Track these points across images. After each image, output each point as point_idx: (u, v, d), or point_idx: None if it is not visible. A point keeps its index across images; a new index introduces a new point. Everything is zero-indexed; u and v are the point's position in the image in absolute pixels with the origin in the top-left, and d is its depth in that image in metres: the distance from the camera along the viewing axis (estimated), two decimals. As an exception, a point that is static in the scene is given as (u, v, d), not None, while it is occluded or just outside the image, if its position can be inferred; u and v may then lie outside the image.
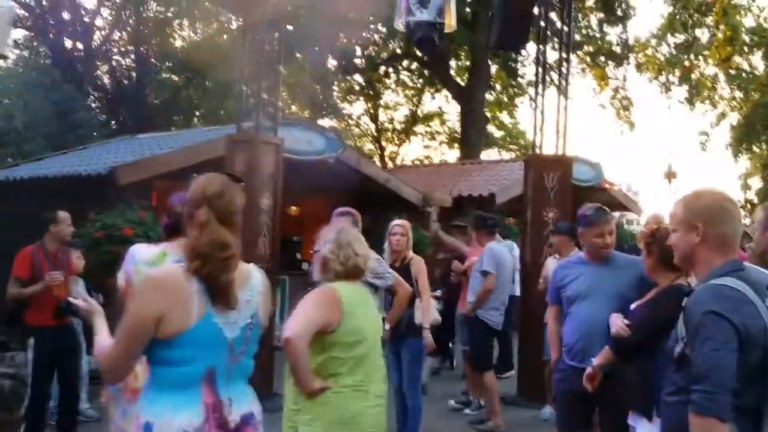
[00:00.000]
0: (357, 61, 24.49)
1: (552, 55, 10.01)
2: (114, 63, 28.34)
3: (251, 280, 2.57)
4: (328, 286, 3.47)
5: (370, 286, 5.26)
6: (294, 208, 13.57)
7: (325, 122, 26.59)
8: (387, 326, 5.38)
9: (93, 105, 27.09)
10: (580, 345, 4.54)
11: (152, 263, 3.61)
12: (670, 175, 30.74)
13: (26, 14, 25.48)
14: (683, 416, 2.46)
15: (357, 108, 30.11)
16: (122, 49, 28.77)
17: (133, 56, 28.21)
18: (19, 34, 27.24)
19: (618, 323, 3.94)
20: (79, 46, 26.35)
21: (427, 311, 5.99)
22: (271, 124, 8.43)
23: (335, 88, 26.09)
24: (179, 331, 2.34)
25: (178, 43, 29.11)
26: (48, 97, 15.64)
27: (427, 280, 6.09)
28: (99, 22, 27.76)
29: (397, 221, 6.29)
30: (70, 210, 6.69)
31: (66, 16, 26.02)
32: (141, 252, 3.66)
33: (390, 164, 27.75)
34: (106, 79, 28.39)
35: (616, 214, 19.78)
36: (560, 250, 7.02)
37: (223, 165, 7.98)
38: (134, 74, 27.89)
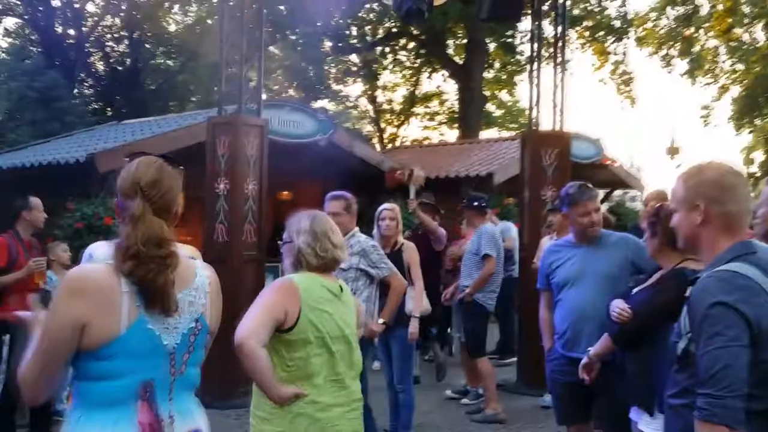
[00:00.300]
0: (352, 41, 24.10)
1: (549, 31, 9.67)
2: (107, 49, 27.98)
3: (195, 279, 2.25)
4: (286, 278, 3.13)
5: (366, 276, 4.99)
6: (286, 193, 13.24)
7: (322, 104, 26.34)
8: (380, 320, 5.11)
9: (87, 92, 26.86)
10: (570, 333, 4.27)
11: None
12: (673, 151, 30.31)
13: (17, 1, 25.18)
14: (689, 423, 2.16)
15: (354, 89, 29.80)
16: (115, 35, 28.44)
17: (126, 42, 27.89)
18: (10, 22, 27.09)
19: (619, 308, 3.64)
20: (71, 32, 26.06)
21: (419, 300, 5.72)
22: (255, 105, 8.10)
23: (331, 69, 25.71)
24: (106, 341, 2.02)
25: (172, 27, 28.85)
26: (32, 85, 15.31)
27: (419, 266, 5.82)
28: (91, 7, 27.56)
29: (385, 205, 6.00)
30: (50, 200, 6.43)
31: (57, 2, 25.73)
32: (100, 250, 3.35)
33: (390, 146, 27.42)
34: (100, 66, 28.07)
35: (618, 191, 19.48)
36: (560, 230, 6.72)
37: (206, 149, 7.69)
38: (128, 60, 27.57)
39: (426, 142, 27.25)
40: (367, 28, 24.14)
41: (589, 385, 3.96)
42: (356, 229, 5.13)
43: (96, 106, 26.08)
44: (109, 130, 12.80)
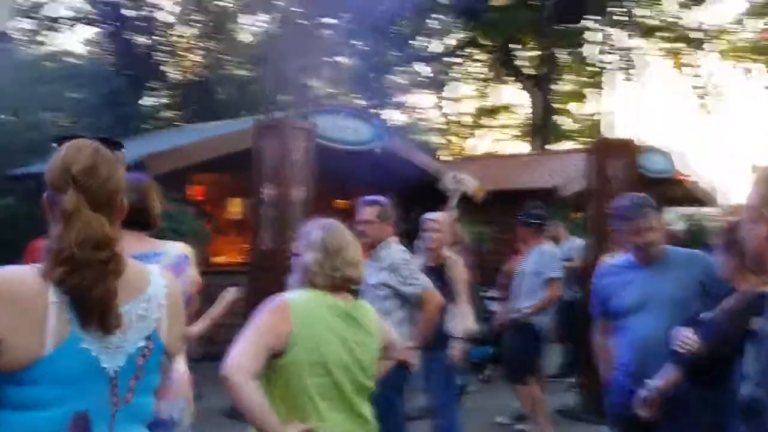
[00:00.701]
0: (421, 51, 23.81)
1: (622, 41, 9.11)
2: (180, 58, 28.34)
3: (148, 288, 1.87)
4: (280, 298, 2.71)
5: (397, 295, 4.43)
6: (342, 201, 12.90)
7: (389, 114, 26.07)
8: (412, 344, 4.48)
9: (159, 101, 27.26)
10: (635, 366, 3.73)
11: None
12: (758, 168, 28.91)
13: (93, 9, 25.72)
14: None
15: (423, 100, 29.41)
16: (188, 45, 28.79)
17: (199, 51, 28.20)
18: (90, 32, 27.67)
19: (685, 336, 3.12)
20: (144, 41, 26.46)
21: (463, 319, 5.24)
22: (304, 109, 7.78)
23: (399, 79, 25.42)
24: (28, 362, 1.64)
25: (246, 37, 29.01)
26: (99, 91, 15.43)
27: (466, 282, 5.34)
28: (166, 17, 27.93)
29: (430, 215, 5.57)
30: None
31: (132, 12, 26.15)
32: None
33: (454, 158, 26.93)
34: (172, 75, 28.44)
35: (692, 209, 18.52)
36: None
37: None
38: (200, 69, 27.86)
39: (492, 154, 26.67)
40: (436, 38, 23.78)
41: (653, 423, 3.45)
42: (392, 239, 4.60)
43: (168, 115, 26.40)
44: (165, 134, 12.72)
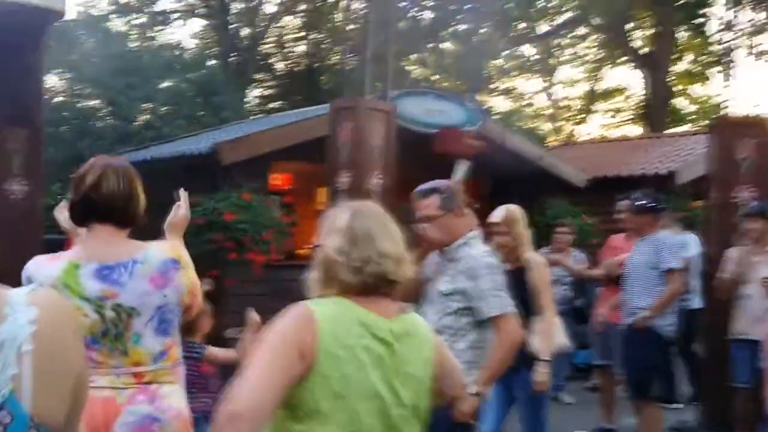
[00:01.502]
0: (526, 32, 22.74)
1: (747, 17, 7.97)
2: (284, 48, 28.26)
3: (3, 324, 1.21)
4: (303, 306, 1.98)
5: (472, 311, 3.44)
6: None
7: (493, 100, 25.12)
8: (474, 389, 3.31)
9: (261, 92, 27.29)
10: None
11: (59, 286, 2.39)
12: None
13: (199, 2, 25.91)
14: None
15: (527, 85, 28.25)
16: (292, 35, 28.66)
17: (303, 41, 28.05)
18: (198, 24, 27.94)
19: None
20: (247, 31, 26.47)
21: (550, 336, 4.34)
22: (385, 90, 7.11)
23: (501, 62, 24.41)
24: None
25: (349, 26, 28.62)
26: (192, 80, 15.34)
27: (550, 290, 4.45)
28: (270, 8, 27.88)
29: (499, 209, 4.58)
30: (172, 194, 5.80)
31: (237, 5, 26.20)
32: (42, 269, 2.47)
33: (559, 144, 25.72)
34: (276, 65, 28.39)
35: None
36: (759, 240, 5.51)
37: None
38: (303, 59, 27.71)
39: (598, 139, 25.29)
40: (541, 17, 22.64)
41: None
42: (472, 233, 3.59)
43: (273, 106, 26.37)
44: (248, 123, 12.34)
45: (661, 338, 5.64)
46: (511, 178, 9.62)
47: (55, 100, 15.10)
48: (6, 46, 5.13)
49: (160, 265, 2.52)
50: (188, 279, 2.62)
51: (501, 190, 9.42)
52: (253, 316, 3.37)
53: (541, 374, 4.27)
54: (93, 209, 2.50)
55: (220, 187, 8.06)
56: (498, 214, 4.49)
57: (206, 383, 4.21)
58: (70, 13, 20.13)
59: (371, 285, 2.01)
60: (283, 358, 1.86)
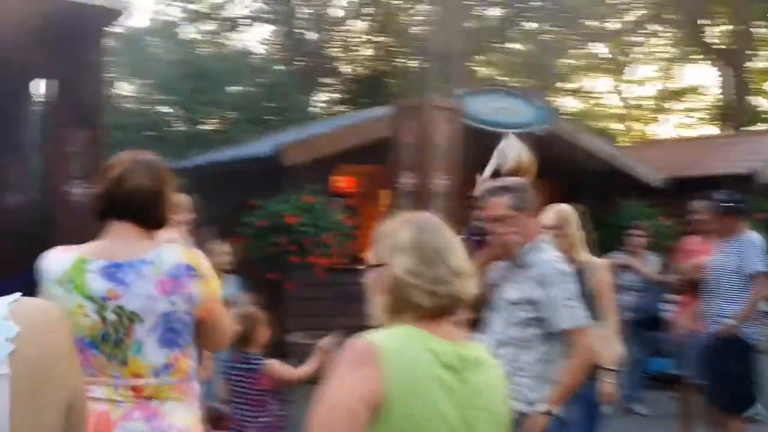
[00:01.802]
0: (598, 30, 22.23)
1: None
2: (351, 52, 28.35)
3: None
4: (366, 344, 1.71)
5: (531, 320, 3.17)
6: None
7: (564, 99, 24.65)
8: (544, 408, 3.13)
9: (329, 96, 27.40)
10: None
11: (65, 281, 2.25)
12: None
13: (267, 7, 26.21)
14: None
15: (598, 84, 27.61)
16: (359, 38, 28.73)
17: (371, 45, 28.08)
18: (266, 30, 28.27)
19: None
20: (315, 36, 26.63)
21: (612, 344, 4.06)
22: (452, 88, 6.92)
23: (572, 60, 23.92)
24: None
25: (416, 30, 28.52)
26: (259, 84, 15.46)
27: (612, 294, 4.16)
28: (338, 12, 28.00)
29: (550, 210, 4.26)
30: (237, 196, 5.77)
31: (303, 11, 26.39)
32: (53, 262, 2.32)
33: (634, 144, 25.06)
34: (343, 68, 28.48)
35: None
36: None
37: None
38: (370, 63, 27.72)
39: (675, 138, 24.54)
40: (612, 14, 22.09)
41: None
42: (542, 237, 3.40)
43: (342, 109, 26.47)
44: (313, 125, 12.31)
45: (748, 347, 5.31)
46: (584, 178, 9.33)
47: (127, 105, 15.45)
48: (65, 46, 5.12)
49: (171, 269, 2.29)
50: (207, 291, 2.37)
51: (573, 190, 9.13)
52: (326, 342, 3.16)
53: (608, 384, 4.00)
54: (113, 204, 2.34)
55: (285, 190, 8.01)
56: (550, 216, 4.19)
57: (264, 400, 3.93)
58: (143, 21, 20.67)
59: (447, 307, 1.80)
60: (347, 419, 1.63)
